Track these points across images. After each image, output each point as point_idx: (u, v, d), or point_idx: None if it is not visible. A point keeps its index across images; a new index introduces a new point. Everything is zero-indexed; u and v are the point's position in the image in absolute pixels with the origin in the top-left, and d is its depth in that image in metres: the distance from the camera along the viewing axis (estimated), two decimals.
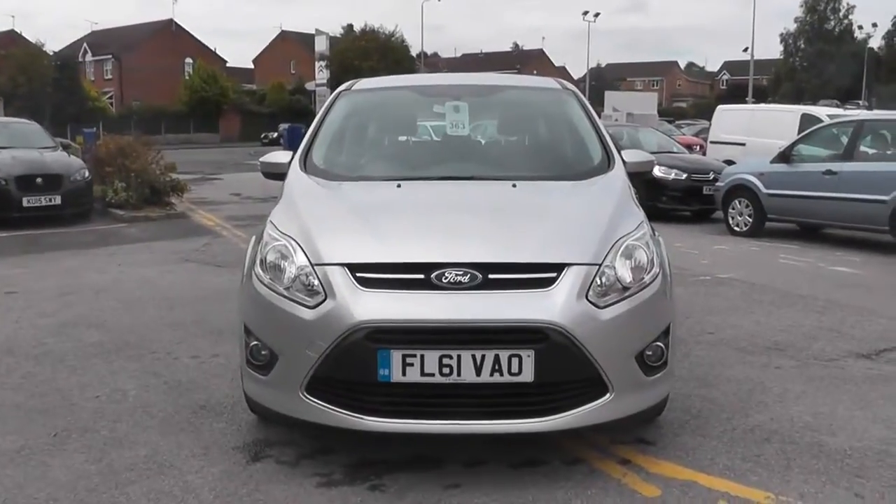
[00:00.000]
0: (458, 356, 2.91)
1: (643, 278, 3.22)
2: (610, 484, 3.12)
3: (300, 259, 3.18)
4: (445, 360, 2.92)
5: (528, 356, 2.93)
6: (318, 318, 3.00)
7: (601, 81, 69.50)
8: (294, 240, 3.26)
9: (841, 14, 55.34)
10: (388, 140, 4.53)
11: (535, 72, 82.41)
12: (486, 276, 3.01)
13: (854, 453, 3.45)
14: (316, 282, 3.08)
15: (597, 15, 56.87)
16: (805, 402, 4.10)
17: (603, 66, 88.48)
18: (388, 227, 3.32)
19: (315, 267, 3.11)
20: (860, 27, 55.13)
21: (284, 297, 3.13)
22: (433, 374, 2.92)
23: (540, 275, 3.05)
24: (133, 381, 4.35)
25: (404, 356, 2.92)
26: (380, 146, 4.46)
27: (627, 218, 3.49)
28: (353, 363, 2.97)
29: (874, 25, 58.53)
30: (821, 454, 3.44)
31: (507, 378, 2.93)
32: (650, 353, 3.20)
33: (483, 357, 2.92)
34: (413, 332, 2.94)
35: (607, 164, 4.03)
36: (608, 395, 3.06)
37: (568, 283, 3.04)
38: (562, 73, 79.63)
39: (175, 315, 5.82)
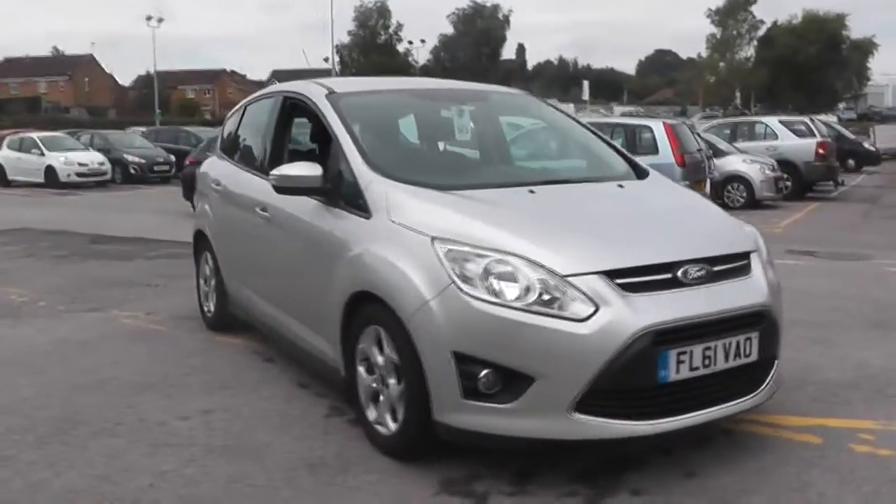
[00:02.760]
0: (715, 346, 3.08)
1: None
2: (786, 444, 3.53)
3: (529, 272, 2.98)
4: (707, 353, 3.06)
5: (756, 337, 3.22)
6: (597, 331, 2.89)
7: (152, 89, 66.75)
8: (508, 252, 3.03)
9: (391, 30, 61.60)
10: (437, 146, 4.24)
11: (86, 79, 75.57)
12: (712, 268, 3.20)
13: (878, 378, 4.36)
14: (576, 294, 2.94)
15: (160, 20, 54.05)
16: None
17: (152, 73, 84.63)
18: (602, 232, 3.28)
19: (568, 279, 2.96)
20: (410, 42, 62.11)
21: (539, 314, 2.91)
22: (698, 368, 3.04)
23: (740, 263, 3.36)
24: (167, 461, 3.41)
25: (678, 354, 2.99)
26: (439, 152, 4.16)
27: None
28: (634, 369, 2.93)
29: (422, 41, 66.11)
30: (867, 388, 4.25)
31: (742, 360, 3.18)
32: None
33: (730, 344, 3.13)
34: (686, 329, 3.02)
35: (630, 161, 4.35)
36: (776, 362, 3.48)
37: (757, 267, 3.40)
38: (111, 80, 74.35)
39: (48, 377, 4.54)
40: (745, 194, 14.35)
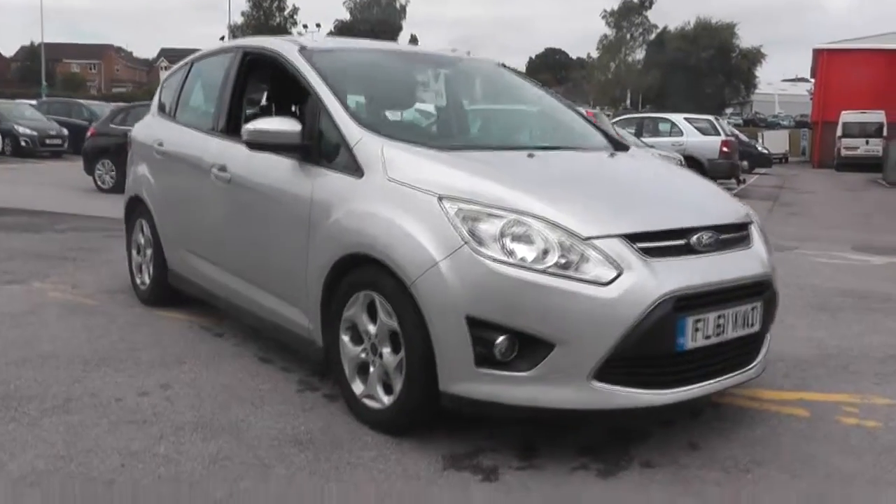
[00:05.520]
0: (726, 315, 3.02)
1: None
2: (774, 416, 3.52)
3: (549, 234, 2.82)
4: (719, 321, 2.99)
5: (760, 307, 3.18)
6: (621, 295, 2.76)
7: (37, 61, 63.29)
8: (525, 213, 2.86)
9: (287, 13, 60.24)
10: (418, 106, 4.01)
11: None
12: (720, 237, 3.14)
13: (838, 356, 4.46)
14: (598, 257, 2.80)
15: None
16: None
17: (36, 44, 79.98)
18: (611, 196, 3.17)
19: (589, 241, 2.82)
20: (305, 26, 60.80)
21: (560, 276, 2.76)
22: (710, 336, 2.97)
23: (743, 233, 3.31)
24: (135, 439, 3.08)
25: (695, 322, 2.90)
26: (423, 113, 3.94)
27: None
28: (654, 336, 2.82)
29: (318, 26, 64.69)
30: (831, 365, 4.32)
31: (748, 330, 3.14)
32: None
33: (738, 313, 3.07)
34: (702, 296, 2.93)
35: (606, 135, 4.28)
36: (768, 335, 3.46)
37: (756, 238, 3.37)
38: None
39: None
40: None
